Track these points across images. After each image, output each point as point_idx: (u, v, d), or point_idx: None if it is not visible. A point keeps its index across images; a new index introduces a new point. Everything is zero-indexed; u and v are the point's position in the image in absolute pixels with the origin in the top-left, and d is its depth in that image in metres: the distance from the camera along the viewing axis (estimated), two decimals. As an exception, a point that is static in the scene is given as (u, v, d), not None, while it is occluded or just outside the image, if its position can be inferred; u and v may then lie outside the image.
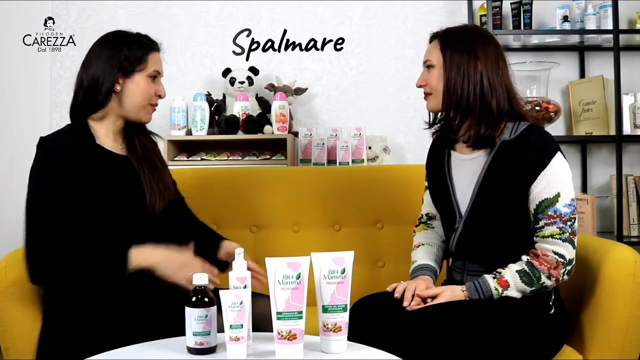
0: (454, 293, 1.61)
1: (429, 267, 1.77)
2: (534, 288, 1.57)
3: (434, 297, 1.61)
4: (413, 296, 1.62)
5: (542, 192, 1.57)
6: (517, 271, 1.57)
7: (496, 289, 1.57)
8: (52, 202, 1.59)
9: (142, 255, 1.58)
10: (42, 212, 1.58)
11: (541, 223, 1.58)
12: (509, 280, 1.57)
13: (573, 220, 1.57)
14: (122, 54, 1.69)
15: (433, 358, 1.53)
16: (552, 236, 1.56)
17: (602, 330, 1.63)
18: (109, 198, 1.65)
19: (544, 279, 1.56)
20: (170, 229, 1.84)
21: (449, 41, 1.66)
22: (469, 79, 1.62)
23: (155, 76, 1.75)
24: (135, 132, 1.79)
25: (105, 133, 1.74)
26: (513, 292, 1.57)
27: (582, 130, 2.94)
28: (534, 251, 1.59)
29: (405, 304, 1.60)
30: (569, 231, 1.56)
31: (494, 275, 1.59)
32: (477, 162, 1.68)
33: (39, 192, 1.60)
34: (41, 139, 1.68)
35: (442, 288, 1.63)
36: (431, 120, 1.78)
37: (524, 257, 1.59)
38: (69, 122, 1.76)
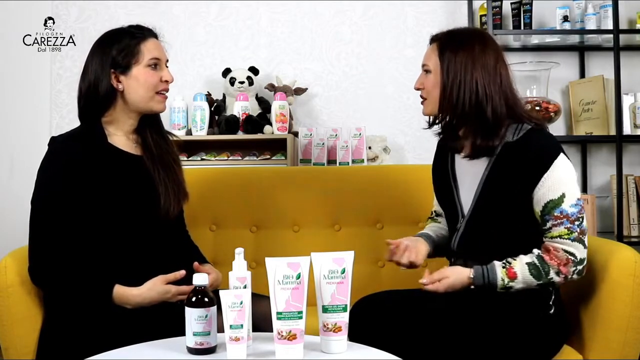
0: (461, 276, 1.59)
1: (424, 234, 1.82)
2: (541, 282, 1.56)
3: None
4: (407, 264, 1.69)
5: (547, 194, 1.57)
6: (527, 263, 1.57)
7: (502, 280, 1.56)
8: (57, 204, 1.59)
9: (124, 298, 1.58)
10: (47, 215, 1.59)
11: (549, 224, 1.57)
12: (518, 273, 1.56)
13: (581, 219, 1.57)
14: (113, 52, 1.66)
15: (433, 358, 1.53)
16: (560, 236, 1.56)
17: (602, 330, 1.63)
18: (121, 198, 1.64)
19: (552, 274, 1.56)
20: (180, 231, 1.84)
21: (448, 46, 1.65)
22: (465, 86, 1.61)
23: (156, 64, 1.70)
24: (149, 131, 1.76)
25: (119, 133, 1.72)
26: (519, 285, 1.56)
27: (582, 130, 2.94)
28: (546, 246, 1.58)
29: (404, 261, 1.67)
30: (578, 231, 1.56)
31: (503, 265, 1.58)
32: (480, 163, 1.67)
33: (46, 193, 1.60)
34: (52, 138, 1.67)
35: (448, 272, 1.61)
36: (430, 121, 1.78)
37: (535, 251, 1.59)
38: (70, 122, 1.76)
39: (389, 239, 1.72)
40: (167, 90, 1.74)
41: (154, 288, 1.58)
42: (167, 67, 1.74)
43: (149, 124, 1.76)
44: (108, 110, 1.69)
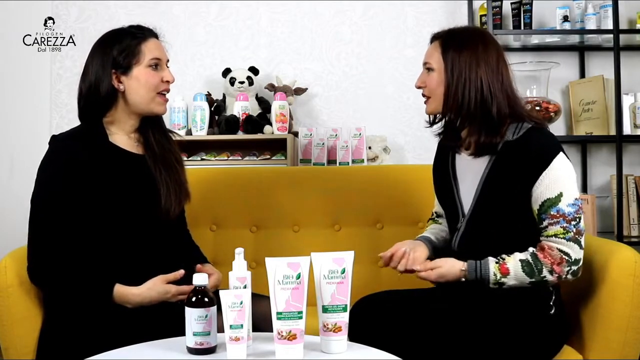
0: (453, 268, 1.61)
1: (424, 237, 1.81)
2: (533, 280, 1.56)
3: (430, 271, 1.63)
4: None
5: (545, 192, 1.57)
6: (520, 260, 1.57)
7: (495, 275, 1.57)
8: (57, 203, 1.58)
9: (124, 297, 1.58)
10: (47, 214, 1.58)
11: (545, 223, 1.58)
12: (510, 269, 1.56)
13: (578, 219, 1.57)
14: (114, 52, 1.65)
15: (433, 358, 1.53)
16: (556, 235, 1.56)
17: (602, 330, 1.63)
18: (122, 198, 1.64)
19: (545, 272, 1.55)
20: (181, 231, 1.84)
21: (451, 45, 1.65)
22: (470, 85, 1.61)
23: (157, 64, 1.69)
24: (152, 130, 1.75)
25: (120, 133, 1.71)
26: (511, 281, 1.57)
27: (582, 130, 2.94)
28: (541, 244, 1.58)
29: (400, 268, 1.67)
30: (574, 230, 1.56)
31: (497, 260, 1.58)
32: (480, 162, 1.67)
33: (46, 192, 1.60)
34: (53, 137, 1.66)
35: (441, 262, 1.63)
36: (431, 120, 1.78)
37: (530, 249, 1.59)
38: (70, 121, 1.76)
39: (381, 253, 1.71)
40: (168, 90, 1.73)
41: (154, 288, 1.58)
42: (168, 67, 1.73)
43: (150, 124, 1.76)
44: (109, 111, 1.69)
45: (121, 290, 1.57)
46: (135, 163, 1.70)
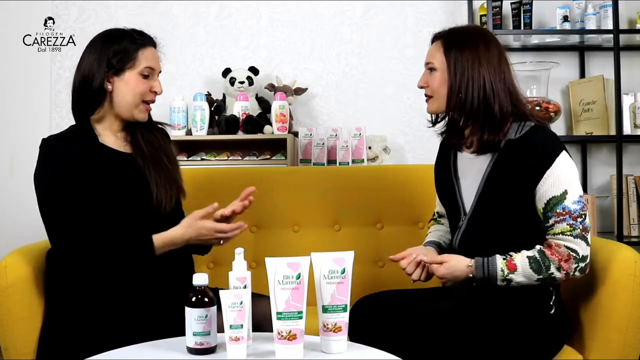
0: (460, 264, 1.61)
1: (433, 242, 1.82)
2: (541, 277, 1.56)
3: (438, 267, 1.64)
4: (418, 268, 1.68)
5: (549, 191, 1.57)
6: (527, 257, 1.57)
7: (502, 270, 1.56)
8: (65, 200, 1.59)
9: (169, 240, 1.62)
10: (59, 210, 1.59)
11: (551, 221, 1.57)
12: (518, 264, 1.56)
13: (583, 216, 1.57)
14: (111, 51, 1.66)
15: (433, 358, 1.53)
16: (562, 233, 1.56)
17: (602, 330, 1.63)
18: (114, 196, 1.64)
19: (553, 269, 1.55)
20: (177, 221, 1.84)
21: (453, 44, 1.65)
22: (473, 83, 1.61)
23: (149, 74, 1.70)
24: (139, 129, 1.76)
25: (108, 132, 1.72)
26: (519, 277, 1.56)
27: (582, 130, 2.94)
28: (548, 242, 1.58)
29: (415, 277, 1.67)
30: (580, 227, 1.56)
31: (504, 257, 1.58)
32: (482, 160, 1.67)
33: (50, 192, 1.60)
34: (43, 140, 1.67)
35: (448, 257, 1.64)
36: (433, 119, 1.78)
37: (537, 246, 1.59)
38: (70, 122, 1.76)
39: (391, 256, 1.70)
40: (153, 101, 1.75)
41: (193, 225, 1.64)
42: (158, 79, 1.75)
43: (137, 123, 1.76)
44: (97, 108, 1.70)
45: (162, 238, 1.61)
46: (125, 162, 1.71)
